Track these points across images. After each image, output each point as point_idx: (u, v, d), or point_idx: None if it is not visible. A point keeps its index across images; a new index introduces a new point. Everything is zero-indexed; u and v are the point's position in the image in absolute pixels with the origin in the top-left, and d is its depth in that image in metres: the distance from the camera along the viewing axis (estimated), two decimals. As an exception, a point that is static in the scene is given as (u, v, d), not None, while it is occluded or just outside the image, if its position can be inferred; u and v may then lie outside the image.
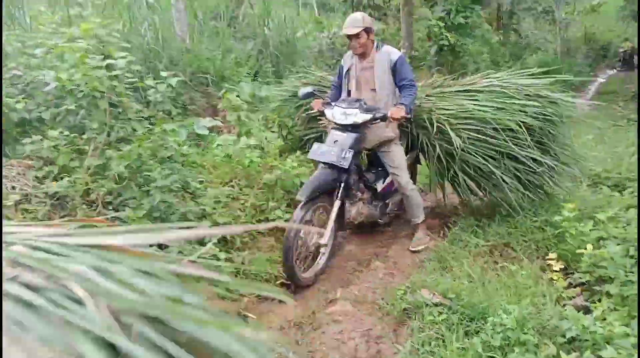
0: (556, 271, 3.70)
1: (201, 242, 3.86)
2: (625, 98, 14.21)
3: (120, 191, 3.47)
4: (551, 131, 4.39)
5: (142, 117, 5.50)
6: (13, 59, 3.91)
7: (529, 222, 4.24)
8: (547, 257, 3.85)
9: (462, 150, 4.15)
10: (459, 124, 4.18)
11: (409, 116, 3.80)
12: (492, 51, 11.31)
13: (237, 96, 7.18)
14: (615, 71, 20.52)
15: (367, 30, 3.91)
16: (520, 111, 4.18)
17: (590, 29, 22.09)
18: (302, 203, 3.59)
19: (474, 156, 4.19)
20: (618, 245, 3.45)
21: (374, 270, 4.03)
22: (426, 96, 4.48)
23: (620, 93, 15.45)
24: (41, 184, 3.23)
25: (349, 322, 3.19)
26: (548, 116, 4.30)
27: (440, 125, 4.16)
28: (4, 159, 3.34)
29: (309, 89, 4.26)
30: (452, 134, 4.07)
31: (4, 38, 4.00)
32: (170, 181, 3.74)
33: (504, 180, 4.19)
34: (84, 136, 3.66)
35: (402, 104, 3.79)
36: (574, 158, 4.71)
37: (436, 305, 3.08)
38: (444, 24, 9.11)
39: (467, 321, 2.98)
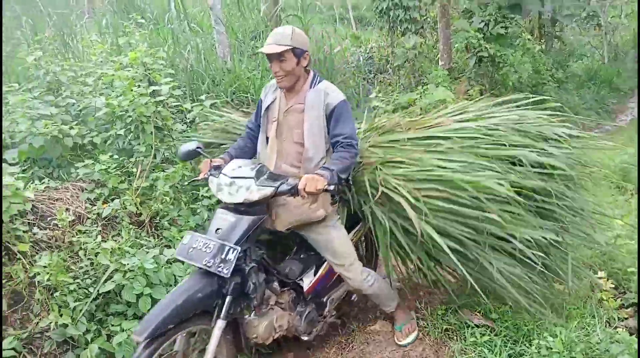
0: (606, 291, 3.56)
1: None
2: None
3: (167, 211, 3.62)
4: (562, 194, 3.00)
5: (187, 137, 5.74)
6: (67, 87, 4.16)
7: (577, 240, 4.08)
8: (596, 276, 3.71)
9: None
10: (419, 189, 2.71)
11: (331, 188, 2.42)
12: (534, 60, 11.05)
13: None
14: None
15: (298, 53, 2.67)
16: (512, 164, 2.89)
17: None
18: (143, 343, 2.11)
19: (447, 236, 2.72)
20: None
21: (414, 288, 3.99)
22: (370, 146, 3.04)
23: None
24: (93, 205, 3.41)
25: (389, 341, 3.17)
26: (557, 169, 2.94)
27: (389, 192, 2.75)
28: (59, 183, 3.56)
29: (191, 145, 2.83)
30: (406, 206, 2.65)
31: (57, 68, 4.27)
32: (215, 200, 3.86)
33: (499, 271, 2.83)
34: (132, 159, 3.84)
35: (326, 170, 2.50)
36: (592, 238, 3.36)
37: (478, 326, 3.02)
38: (482, 35, 8.98)
39: (511, 343, 2.91)
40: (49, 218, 3.09)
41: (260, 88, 8.14)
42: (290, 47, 2.62)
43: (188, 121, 6.21)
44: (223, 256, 2.34)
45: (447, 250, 2.66)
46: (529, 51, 10.68)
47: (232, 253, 2.35)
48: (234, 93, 7.89)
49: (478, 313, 3.15)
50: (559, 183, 2.96)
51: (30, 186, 3.17)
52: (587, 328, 3.09)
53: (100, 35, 6.94)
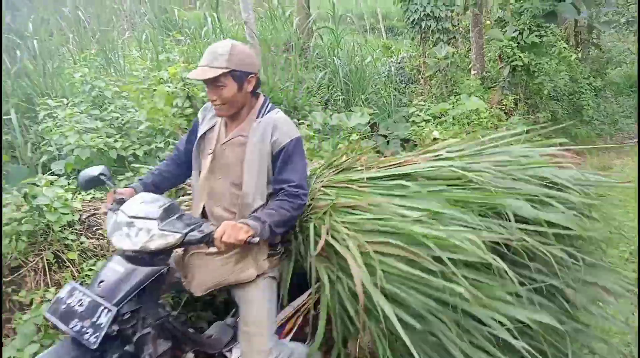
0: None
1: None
2: None
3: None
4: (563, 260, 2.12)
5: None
6: (112, 102, 4.36)
7: (617, 253, 3.97)
8: None
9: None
10: (371, 242, 2.06)
11: (255, 241, 1.95)
12: (570, 68, 10.82)
13: (309, 125, 7.46)
14: None
15: (238, 76, 2.12)
16: (495, 213, 2.14)
17: (683, 37, 20.43)
18: None
19: (403, 307, 1.96)
20: None
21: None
22: (324, 186, 2.43)
23: None
24: (135, 216, 3.54)
25: None
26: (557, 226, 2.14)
27: (335, 243, 2.11)
28: (104, 193, 3.72)
29: (93, 170, 2.36)
30: (351, 262, 2.00)
31: (102, 84, 4.46)
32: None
33: None
34: (172, 171, 3.98)
35: (257, 220, 2.02)
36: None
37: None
38: (516, 44, 8.87)
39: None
40: (94, 228, 3.23)
41: (293, 100, 8.28)
42: (228, 70, 2.08)
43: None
44: (94, 320, 1.70)
45: (399, 327, 1.85)
46: (565, 59, 10.47)
47: (106, 315, 1.70)
48: (267, 105, 8.06)
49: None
50: (559, 244, 2.12)
51: (77, 197, 3.32)
52: (629, 343, 3.00)
53: (140, 51, 7.21)
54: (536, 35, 8.94)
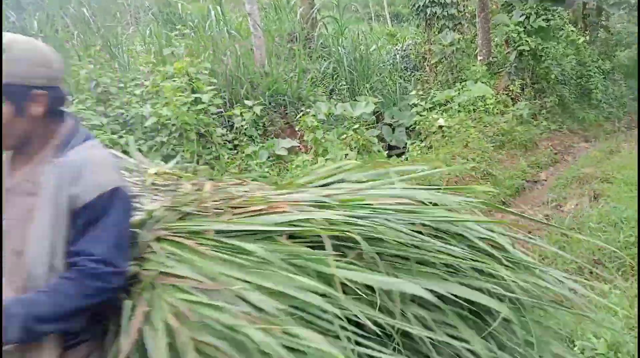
0: (656, 291, 3.45)
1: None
2: None
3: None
4: None
5: (227, 141, 5.93)
6: (117, 98, 4.41)
7: (622, 237, 3.97)
8: (645, 275, 3.59)
9: None
10: (198, 342, 1.33)
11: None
12: (578, 52, 10.67)
13: (314, 116, 7.47)
14: None
15: (15, 93, 1.35)
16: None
17: (696, 16, 20.02)
18: None
19: None
20: None
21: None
22: (157, 239, 1.58)
23: None
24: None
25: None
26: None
27: (149, 338, 1.40)
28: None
29: None
30: None
31: (107, 80, 4.50)
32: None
33: None
34: (178, 166, 4.03)
35: (14, 308, 1.29)
36: None
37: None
38: (523, 29, 8.77)
39: (553, 344, 2.87)
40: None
41: (297, 91, 8.29)
42: None
43: (228, 125, 6.44)
44: None
45: None
46: (573, 42, 10.33)
47: None
48: (271, 96, 8.07)
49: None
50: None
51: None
52: (635, 330, 3.01)
53: (145, 45, 7.24)
54: (543, 19, 8.82)
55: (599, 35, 13.05)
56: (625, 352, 2.74)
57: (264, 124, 7.64)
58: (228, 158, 4.93)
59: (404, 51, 12.44)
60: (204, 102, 3.99)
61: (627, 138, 9.03)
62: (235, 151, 5.15)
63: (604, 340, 2.71)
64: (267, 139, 7.32)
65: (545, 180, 7.25)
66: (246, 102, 4.74)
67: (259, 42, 8.60)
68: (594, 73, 10.77)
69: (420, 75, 10.82)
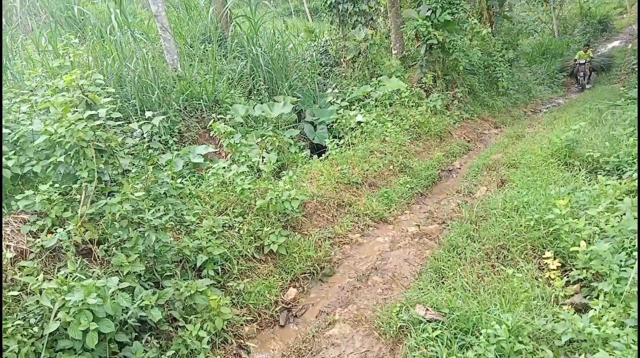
0: (553, 269, 3.70)
1: (199, 273, 3.95)
2: (625, 71, 14.04)
3: (114, 235, 3.56)
4: None
5: (133, 154, 5.64)
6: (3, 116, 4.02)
7: (524, 221, 4.21)
8: (543, 256, 3.84)
9: None
10: None
11: None
12: (484, 42, 11.27)
13: (230, 119, 7.30)
14: (616, 42, 20.27)
15: None
16: None
17: (585, 4, 21.84)
18: None
19: None
20: (608, 241, 3.43)
21: (372, 285, 4.06)
22: None
23: (621, 66, 15.26)
24: (36, 238, 3.33)
25: (347, 344, 3.23)
26: None
27: None
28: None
29: None
30: None
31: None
32: (165, 220, 3.82)
33: None
34: (76, 185, 3.76)
35: None
36: None
37: (430, 321, 3.10)
38: (430, 23, 9.09)
39: (461, 335, 3.00)
40: (-11, 257, 2.99)
41: (213, 93, 8.06)
42: None
43: (139, 135, 6.13)
44: None
45: None
46: (478, 34, 10.86)
47: None
48: (186, 100, 7.80)
49: (430, 308, 3.23)
50: None
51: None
52: (534, 310, 3.21)
53: (40, 54, 6.71)
54: (448, 13, 9.18)
55: (502, 25, 13.85)
56: (525, 334, 2.91)
57: (180, 130, 7.38)
58: (136, 172, 4.68)
59: (322, 47, 12.51)
60: (100, 118, 3.73)
61: (531, 122, 9.66)
62: (144, 165, 4.90)
63: (505, 325, 2.86)
64: (184, 146, 7.08)
65: (460, 168, 7.59)
66: (146, 113, 4.49)
67: (169, 45, 8.27)
68: (500, 62, 11.41)
69: (338, 71, 10.94)
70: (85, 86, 4.07)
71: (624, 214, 3.82)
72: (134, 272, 3.34)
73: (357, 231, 5.23)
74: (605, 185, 4.51)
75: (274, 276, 4.15)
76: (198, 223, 4.31)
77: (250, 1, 9.85)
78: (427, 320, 3.10)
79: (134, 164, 5.45)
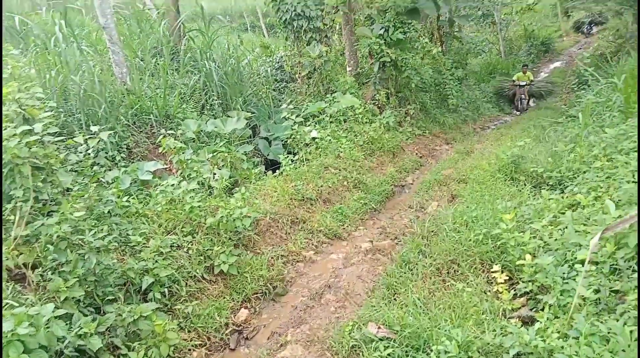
0: (501, 283, 3.77)
1: (145, 297, 3.77)
2: (566, 91, 14.82)
3: (51, 258, 3.35)
4: None
5: (77, 171, 5.39)
6: None
7: (472, 235, 4.29)
8: (491, 270, 3.92)
9: None
10: None
11: None
12: (435, 61, 11.63)
13: (182, 134, 7.13)
14: (557, 63, 21.47)
15: None
16: None
17: (529, 27, 23.05)
18: None
19: None
20: (551, 254, 3.54)
21: (325, 304, 4.01)
22: None
23: (562, 85, 16.10)
24: (-37, 263, 3.08)
25: (299, 365, 3.15)
26: None
27: None
28: None
29: None
30: None
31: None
32: (108, 241, 3.64)
33: None
34: (10, 205, 3.53)
35: None
36: None
37: (382, 339, 3.08)
38: (383, 41, 9.29)
39: (413, 352, 2.99)
40: None
41: (163, 108, 7.87)
42: None
43: (84, 151, 5.86)
44: None
45: None
46: (429, 53, 11.19)
47: None
48: (135, 115, 7.56)
49: (382, 326, 3.21)
50: None
51: None
52: (483, 324, 3.25)
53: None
54: (400, 32, 9.42)
55: (452, 45, 14.34)
56: (474, 349, 2.94)
57: (128, 146, 7.13)
58: (78, 190, 4.46)
59: (278, 62, 12.53)
60: (36, 133, 3.53)
61: (480, 139, 9.99)
62: (87, 183, 4.68)
63: (455, 341, 2.88)
64: (132, 162, 6.84)
65: (412, 183, 7.71)
66: (92, 128, 4.30)
67: (118, 58, 8.03)
68: (450, 80, 11.77)
69: (293, 87, 10.97)
70: (22, 99, 3.86)
71: (566, 227, 3.98)
72: (73, 298, 3.15)
73: (311, 248, 5.19)
74: (549, 199, 4.69)
75: (224, 298, 4.02)
76: (144, 244, 4.13)
77: (204, 15, 9.74)
78: (379, 338, 3.08)
79: (77, 182, 5.21)
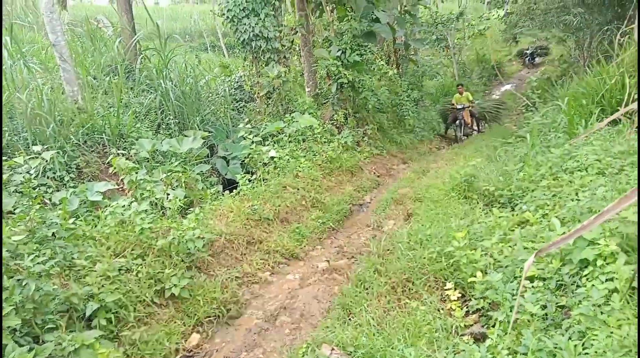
0: (454, 300, 3.81)
1: (89, 323, 3.59)
2: (516, 112, 15.45)
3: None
4: None
5: (21, 192, 5.14)
6: None
7: (427, 253, 4.34)
8: (445, 287, 3.96)
9: None
10: None
11: None
12: (391, 83, 11.92)
13: (136, 153, 6.94)
14: (508, 86, 22.44)
15: None
16: None
17: (481, 51, 24.08)
18: None
19: None
20: (501, 271, 3.62)
21: (280, 326, 3.94)
22: None
23: (512, 108, 16.79)
24: None
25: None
26: None
27: None
28: None
29: None
30: None
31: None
32: (50, 265, 3.45)
33: None
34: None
35: None
36: None
37: (335, 360, 3.04)
38: (340, 63, 9.45)
39: (366, 373, 2.96)
40: None
41: (117, 127, 7.66)
42: None
43: (26, 171, 5.60)
44: None
45: None
46: (386, 74, 11.45)
47: None
48: (87, 134, 7.32)
49: (336, 347, 3.17)
50: None
51: None
52: (436, 343, 3.26)
53: None
54: (357, 54, 9.61)
55: (408, 68, 14.76)
56: (427, 367, 2.94)
57: (78, 165, 6.87)
58: (21, 211, 4.25)
59: (237, 82, 12.51)
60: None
61: (435, 158, 10.23)
62: (30, 205, 4.47)
63: (408, 360, 2.87)
64: (83, 183, 6.58)
65: (370, 202, 7.78)
66: (34, 147, 4.12)
67: (69, 76, 7.79)
68: (407, 101, 12.07)
69: (253, 106, 10.95)
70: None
71: (515, 244, 4.08)
72: (8, 327, 2.95)
73: (267, 269, 5.11)
74: (499, 217, 4.81)
75: (175, 322, 3.88)
76: (91, 268, 3.95)
77: (159, 34, 9.62)
78: (333, 360, 3.03)
79: (22, 204, 4.96)
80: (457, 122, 12.72)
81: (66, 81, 7.80)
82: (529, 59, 23.77)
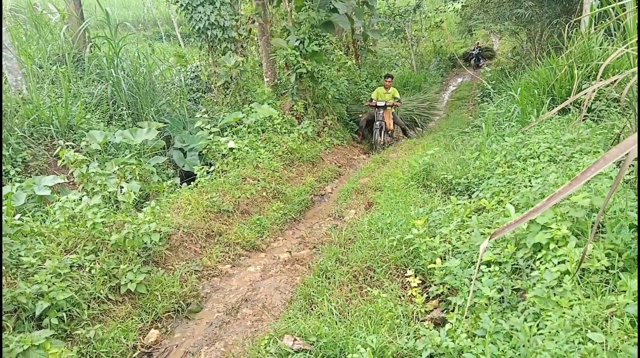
0: (415, 287, 3.86)
1: (39, 323, 3.41)
2: (472, 103, 15.85)
3: None
4: None
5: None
6: None
7: (387, 242, 4.38)
8: (405, 275, 4.01)
9: None
10: None
11: None
12: (350, 73, 11.93)
13: (87, 146, 6.65)
14: (463, 78, 22.96)
15: None
16: None
17: (437, 43, 24.51)
18: None
19: None
20: (459, 257, 3.70)
21: (242, 318, 3.88)
22: None
23: (469, 98, 17.21)
24: None
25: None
26: None
27: None
28: None
29: None
30: None
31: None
32: (-8, 263, 3.26)
33: None
34: None
35: None
36: None
37: (298, 351, 3.01)
38: (299, 53, 9.36)
39: (329, 362, 2.95)
40: None
41: (65, 118, 7.31)
42: None
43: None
44: None
45: None
46: (345, 65, 11.44)
47: None
48: (33, 126, 6.95)
49: (298, 338, 3.15)
50: None
51: None
52: (397, 329, 3.29)
53: None
54: (316, 44, 9.54)
55: (366, 58, 14.82)
56: (389, 355, 2.96)
57: (24, 159, 6.52)
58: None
59: (193, 72, 12.19)
60: None
61: (395, 148, 10.34)
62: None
63: (369, 348, 2.89)
64: (29, 177, 6.25)
65: (331, 192, 7.78)
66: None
67: (12, 65, 7.36)
68: (366, 91, 12.11)
69: (210, 97, 10.70)
70: None
71: (472, 230, 4.18)
72: (-53, 331, 2.76)
73: (228, 261, 5.02)
74: (457, 204, 4.91)
75: (132, 319, 3.75)
76: (40, 265, 3.75)
77: (109, 21, 9.22)
78: (295, 351, 3.01)
79: (-39, 200, 4.65)
80: (378, 124, 10.14)
81: (8, 70, 7.37)
82: (474, 61, 23.88)
